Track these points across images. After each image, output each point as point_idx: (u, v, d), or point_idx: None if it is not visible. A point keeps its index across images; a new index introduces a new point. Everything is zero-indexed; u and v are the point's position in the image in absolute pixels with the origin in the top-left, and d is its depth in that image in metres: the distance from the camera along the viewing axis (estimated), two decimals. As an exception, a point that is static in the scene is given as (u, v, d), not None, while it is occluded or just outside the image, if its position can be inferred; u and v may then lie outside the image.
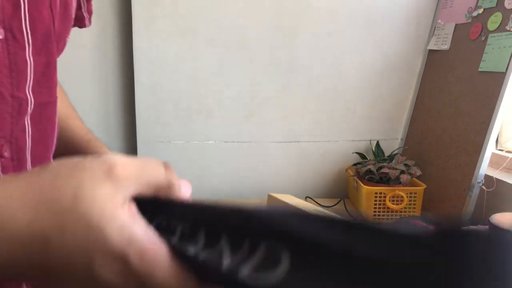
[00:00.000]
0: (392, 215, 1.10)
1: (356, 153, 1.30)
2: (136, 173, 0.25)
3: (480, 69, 1.06)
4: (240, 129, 1.29)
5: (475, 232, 0.21)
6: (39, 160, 0.41)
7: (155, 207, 0.27)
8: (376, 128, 1.34)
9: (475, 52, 1.08)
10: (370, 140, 1.32)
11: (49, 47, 0.39)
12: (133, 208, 0.25)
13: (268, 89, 1.28)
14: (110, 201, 0.24)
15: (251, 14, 1.22)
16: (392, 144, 1.35)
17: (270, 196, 1.03)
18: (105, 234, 0.23)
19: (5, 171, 0.36)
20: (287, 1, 1.22)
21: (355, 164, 1.25)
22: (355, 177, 1.18)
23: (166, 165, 0.27)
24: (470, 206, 1.02)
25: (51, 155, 0.45)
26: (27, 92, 0.37)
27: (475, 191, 1.01)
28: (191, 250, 0.24)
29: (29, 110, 0.38)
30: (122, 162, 0.25)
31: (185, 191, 0.29)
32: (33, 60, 0.37)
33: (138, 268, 0.24)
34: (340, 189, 1.34)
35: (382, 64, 1.29)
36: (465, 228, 0.21)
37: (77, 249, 0.23)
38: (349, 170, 1.26)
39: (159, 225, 0.26)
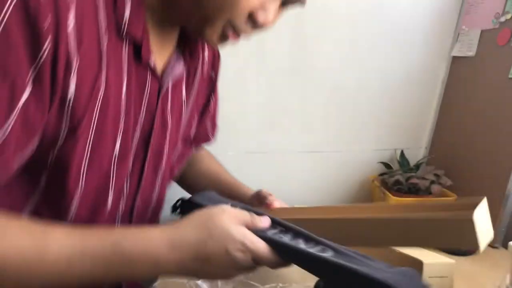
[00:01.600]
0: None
1: (381, 162, 1.27)
2: (235, 214, 0.52)
3: (510, 76, 1.03)
4: (260, 140, 1.26)
5: None
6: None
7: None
8: (399, 136, 1.31)
9: (504, 58, 1.05)
10: (395, 149, 1.29)
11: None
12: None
13: (289, 99, 1.25)
14: (230, 221, 0.50)
15: (272, 23, 1.19)
16: (416, 152, 1.32)
17: None
18: (233, 235, 0.48)
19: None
20: (307, 9, 1.19)
21: (381, 175, 1.22)
22: (382, 188, 1.15)
23: (252, 216, 0.53)
24: (504, 217, 0.99)
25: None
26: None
27: (510, 202, 0.99)
28: (284, 239, 0.50)
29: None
30: (228, 209, 0.52)
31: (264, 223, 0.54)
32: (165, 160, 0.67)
33: (251, 248, 0.48)
34: (364, 199, 1.31)
35: (404, 70, 1.27)
36: None
37: (220, 244, 0.48)
38: (375, 181, 1.23)
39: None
